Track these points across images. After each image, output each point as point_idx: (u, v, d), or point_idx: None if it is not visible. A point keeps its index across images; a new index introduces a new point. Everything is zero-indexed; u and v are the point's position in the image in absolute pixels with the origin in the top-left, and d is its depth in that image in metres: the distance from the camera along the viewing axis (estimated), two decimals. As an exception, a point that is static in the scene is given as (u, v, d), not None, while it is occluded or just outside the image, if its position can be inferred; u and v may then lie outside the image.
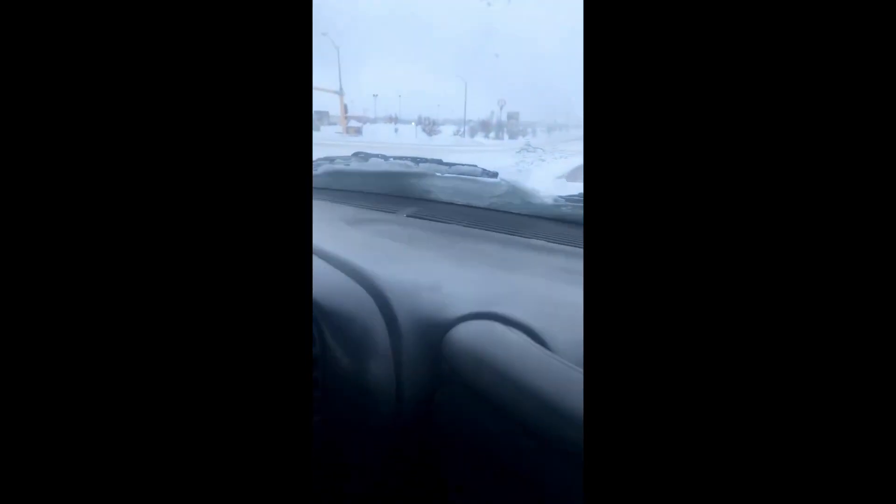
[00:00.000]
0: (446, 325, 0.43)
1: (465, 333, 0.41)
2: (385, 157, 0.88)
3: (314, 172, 0.94)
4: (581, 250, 0.58)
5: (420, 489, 0.46)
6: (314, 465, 0.48)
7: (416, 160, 0.84)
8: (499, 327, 0.41)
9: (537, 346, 0.38)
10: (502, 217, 0.74)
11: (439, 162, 0.82)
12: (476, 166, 0.79)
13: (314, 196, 0.91)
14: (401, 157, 0.86)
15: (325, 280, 0.47)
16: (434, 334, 0.43)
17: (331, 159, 0.92)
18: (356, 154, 0.90)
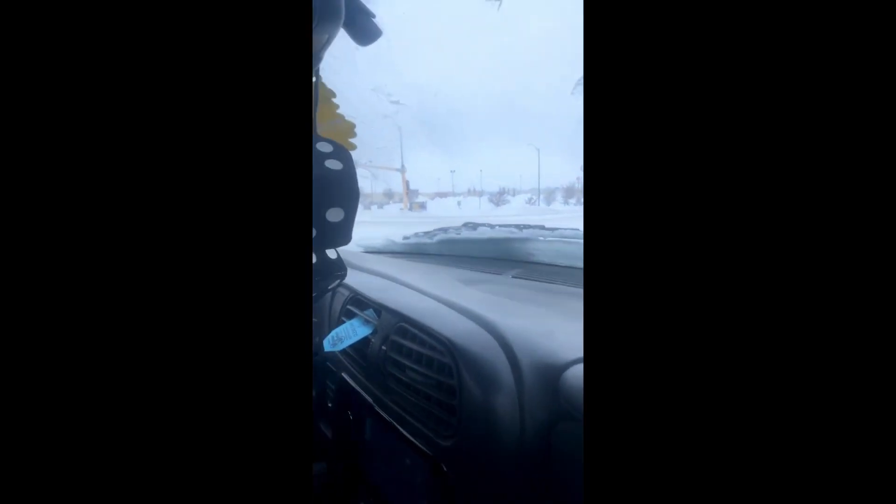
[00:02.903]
0: (560, 367, 0.49)
1: (580, 376, 0.47)
2: (491, 226, 1.00)
3: (430, 241, 1.09)
4: None
5: None
6: (452, 489, 0.54)
7: (520, 227, 0.94)
8: None
9: None
10: None
11: (542, 227, 0.91)
12: (578, 230, 0.87)
13: (432, 261, 1.06)
14: (505, 225, 0.97)
15: (457, 326, 0.57)
16: (550, 374, 0.50)
17: (445, 229, 1.07)
18: (465, 224, 1.04)
